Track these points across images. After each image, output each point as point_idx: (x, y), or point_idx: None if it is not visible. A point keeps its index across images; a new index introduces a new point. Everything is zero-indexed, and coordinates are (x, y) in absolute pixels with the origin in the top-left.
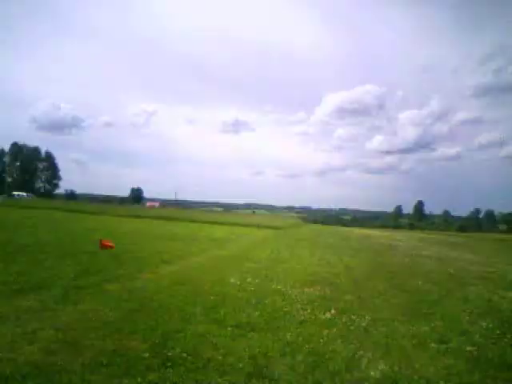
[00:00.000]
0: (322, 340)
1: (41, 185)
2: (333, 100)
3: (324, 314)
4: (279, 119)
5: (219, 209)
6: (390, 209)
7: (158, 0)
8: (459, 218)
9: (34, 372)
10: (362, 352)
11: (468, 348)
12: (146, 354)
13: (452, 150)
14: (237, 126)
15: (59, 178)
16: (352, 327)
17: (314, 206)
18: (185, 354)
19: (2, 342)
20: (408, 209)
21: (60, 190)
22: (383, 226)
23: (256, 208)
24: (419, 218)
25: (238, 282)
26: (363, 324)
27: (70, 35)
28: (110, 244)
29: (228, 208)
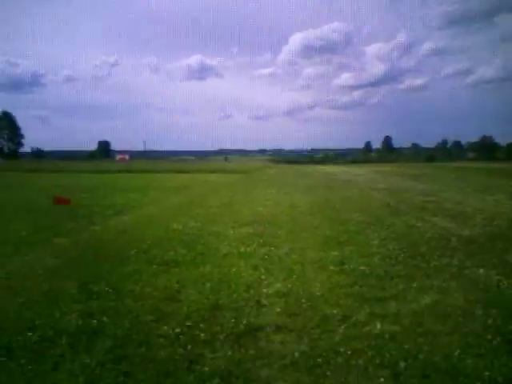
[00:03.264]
0: (233, 270)
1: (4, 143)
2: (300, 39)
3: (247, 248)
4: (246, 62)
5: (191, 157)
6: (361, 145)
7: None
8: (428, 149)
9: None
10: (265, 276)
11: (361, 267)
12: (74, 291)
13: (419, 81)
14: (203, 72)
15: (21, 137)
16: (266, 257)
17: (286, 147)
18: (108, 289)
19: None
20: (378, 144)
21: (26, 149)
22: (353, 162)
23: (228, 153)
24: (388, 152)
25: (180, 227)
26: (280, 253)
27: None
28: (65, 199)
29: (200, 156)
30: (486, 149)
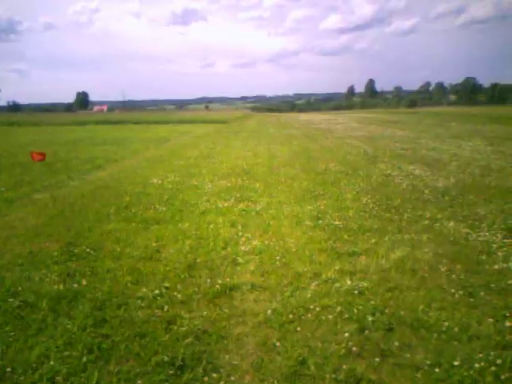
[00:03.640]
0: (212, 226)
1: None
2: None
3: (225, 203)
4: (232, 4)
5: (171, 106)
6: (344, 90)
7: None
8: (411, 92)
9: None
10: (242, 233)
11: (336, 222)
12: (55, 252)
13: (408, 23)
14: (186, 17)
15: None
16: (244, 212)
17: (269, 93)
18: (89, 249)
19: None
20: (361, 88)
21: (1, 103)
22: (336, 108)
23: (210, 101)
24: (371, 96)
25: (160, 181)
26: (257, 208)
27: None
28: (40, 154)
29: (180, 104)
30: (469, 91)
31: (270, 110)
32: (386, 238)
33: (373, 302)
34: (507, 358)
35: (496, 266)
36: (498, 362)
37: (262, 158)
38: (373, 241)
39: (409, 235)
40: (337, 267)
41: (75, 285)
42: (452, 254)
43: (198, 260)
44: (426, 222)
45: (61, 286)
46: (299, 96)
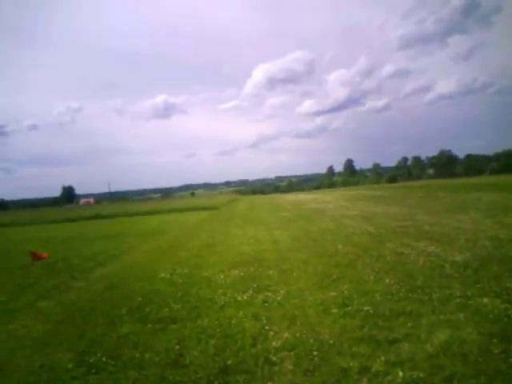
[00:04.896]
0: (234, 321)
1: None
2: (263, 71)
3: (243, 295)
4: (211, 98)
5: (157, 195)
6: (324, 170)
7: None
8: (389, 168)
9: None
10: (269, 326)
11: (365, 308)
12: (70, 364)
13: (380, 102)
14: (167, 111)
15: None
16: (266, 304)
17: (251, 178)
18: (105, 358)
19: None
20: (340, 167)
21: None
22: (318, 188)
23: (194, 188)
24: (350, 175)
25: (168, 276)
26: (278, 299)
27: None
28: (42, 255)
29: (166, 192)
30: (445, 162)
31: (253, 192)
32: (423, 321)
33: None
34: None
35: None
36: None
37: (266, 243)
38: (409, 325)
39: (444, 316)
40: (382, 358)
41: None
42: (498, 332)
43: (229, 362)
44: (458, 300)
45: None
46: (280, 178)
